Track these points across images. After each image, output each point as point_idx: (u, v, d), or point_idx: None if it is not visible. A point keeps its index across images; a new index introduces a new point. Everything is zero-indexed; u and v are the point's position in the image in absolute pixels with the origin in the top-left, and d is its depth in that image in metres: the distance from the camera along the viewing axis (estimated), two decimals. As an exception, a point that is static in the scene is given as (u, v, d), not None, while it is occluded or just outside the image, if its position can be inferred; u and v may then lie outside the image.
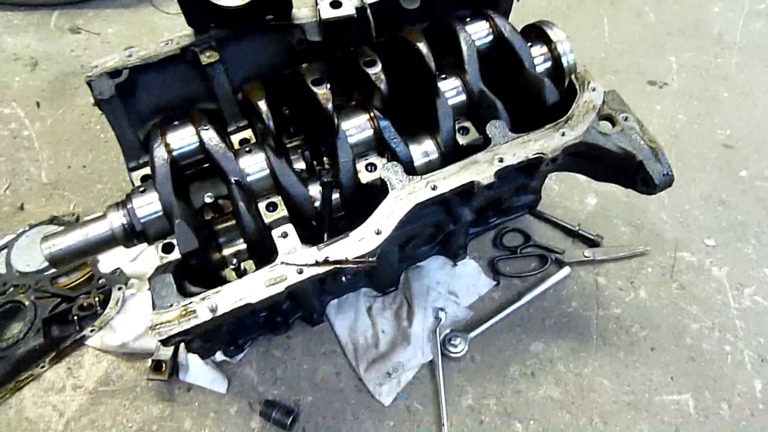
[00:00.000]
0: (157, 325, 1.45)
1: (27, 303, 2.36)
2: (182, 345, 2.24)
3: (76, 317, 2.36)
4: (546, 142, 1.71)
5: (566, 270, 2.51)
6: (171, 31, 3.40)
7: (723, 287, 2.48)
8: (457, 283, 2.49)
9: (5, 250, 2.52)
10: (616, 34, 3.43)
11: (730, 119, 3.02)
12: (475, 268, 2.53)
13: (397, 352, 2.30)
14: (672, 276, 2.52)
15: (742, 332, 2.36)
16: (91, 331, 2.36)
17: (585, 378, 2.28)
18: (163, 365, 2.22)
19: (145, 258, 2.52)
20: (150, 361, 2.24)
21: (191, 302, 1.47)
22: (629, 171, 1.79)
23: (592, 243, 2.60)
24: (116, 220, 1.73)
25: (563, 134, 1.72)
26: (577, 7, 3.59)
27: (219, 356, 2.30)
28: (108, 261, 2.47)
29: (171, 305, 1.47)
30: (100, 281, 2.42)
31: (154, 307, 1.49)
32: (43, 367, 2.31)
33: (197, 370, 2.28)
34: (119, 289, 2.41)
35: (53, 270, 2.44)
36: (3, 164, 2.88)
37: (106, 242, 1.75)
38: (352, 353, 2.32)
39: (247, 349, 2.34)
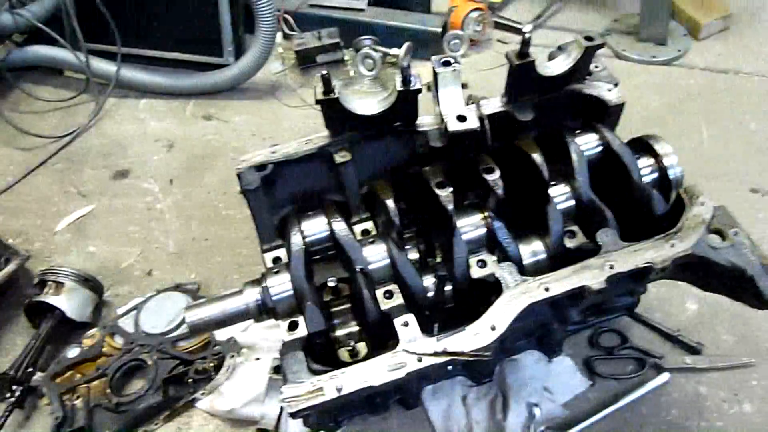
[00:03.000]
0: (288, 398, 1.59)
1: (150, 362, 2.58)
2: (284, 416, 2.39)
3: (191, 380, 2.55)
4: (656, 252, 1.79)
5: (665, 376, 2.47)
6: (290, 120, 3.80)
7: (837, 409, 2.37)
8: (552, 380, 2.51)
9: (134, 312, 2.78)
10: (715, 142, 3.48)
11: (838, 232, 2.96)
12: (571, 366, 2.55)
13: (491, 444, 2.33)
14: (780, 391, 2.43)
15: None
16: (202, 394, 2.53)
17: (686, 493, 2.21)
18: (268, 434, 2.35)
19: (255, 330, 2.72)
20: (255, 429, 2.38)
21: (320, 380, 1.62)
22: (739, 285, 1.82)
23: (692, 350, 2.56)
24: (251, 296, 1.93)
25: (673, 245, 1.79)
26: (675, 114, 3.68)
27: None
28: (223, 330, 2.68)
29: (302, 381, 1.62)
30: (215, 348, 2.62)
31: (286, 381, 1.64)
32: (157, 424, 2.49)
33: (297, 442, 2.39)
34: (232, 356, 2.60)
35: (176, 333, 2.68)
36: (138, 233, 3.23)
37: (240, 315, 1.94)
38: (445, 441, 2.37)
39: (344, 427, 2.43)
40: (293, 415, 1.59)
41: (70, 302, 2.71)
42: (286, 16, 4.25)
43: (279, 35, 4.21)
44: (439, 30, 4.04)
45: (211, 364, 2.57)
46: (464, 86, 2.15)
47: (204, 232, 3.21)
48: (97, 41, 3.99)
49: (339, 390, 1.60)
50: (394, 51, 3.87)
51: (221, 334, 2.66)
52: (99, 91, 3.97)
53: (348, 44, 4.11)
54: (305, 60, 4.07)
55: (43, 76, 4.20)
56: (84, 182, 3.53)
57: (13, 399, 2.46)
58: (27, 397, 2.53)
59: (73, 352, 2.63)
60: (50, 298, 2.69)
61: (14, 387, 2.49)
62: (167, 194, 3.41)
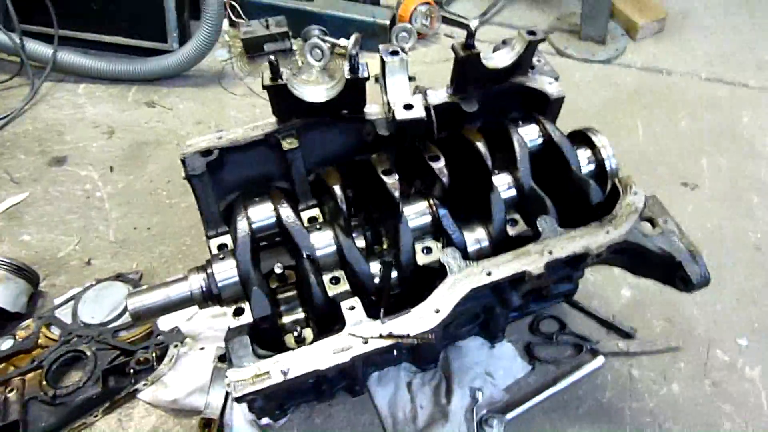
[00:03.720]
0: (233, 382, 1.59)
1: (89, 353, 2.50)
2: (229, 404, 2.37)
3: (132, 370, 2.49)
4: (592, 238, 1.87)
5: (600, 360, 2.59)
6: (236, 109, 3.75)
7: (756, 388, 2.54)
8: (494, 365, 2.58)
9: (72, 302, 2.69)
10: (650, 138, 3.65)
11: (760, 224, 3.16)
12: (512, 351, 2.63)
13: (434, 428, 2.37)
14: (705, 373, 2.59)
15: (776, 435, 2.40)
16: (144, 384, 2.48)
17: (618, 470, 2.32)
18: (212, 424, 2.32)
19: (200, 319, 2.68)
20: (199, 418, 2.35)
21: (265, 364, 1.62)
22: (668, 270, 1.93)
23: (625, 335, 2.69)
24: (196, 282, 1.90)
25: (608, 232, 1.88)
26: (613, 111, 3.83)
27: (263, 420, 2.39)
28: (167, 319, 2.63)
29: (247, 365, 1.61)
30: (158, 337, 2.57)
31: (230, 365, 1.63)
32: (96, 416, 2.42)
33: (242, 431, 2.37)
34: (175, 346, 2.55)
35: (116, 323, 2.61)
36: (76, 221, 3.12)
37: (184, 302, 1.91)
38: (390, 427, 2.40)
39: (290, 414, 2.43)
40: (239, 400, 1.58)
41: (2, 292, 2.60)
42: (233, 2, 4.18)
43: (225, 22, 4.14)
44: (388, 22, 4.07)
45: (154, 354, 2.52)
46: (411, 79, 2.19)
47: (146, 221, 3.13)
48: (33, 22, 3.81)
49: (285, 374, 1.60)
50: (342, 42, 3.88)
51: (164, 324, 2.61)
52: (34, 74, 3.80)
53: (296, 34, 4.09)
54: (252, 48, 4.01)
55: (-27, 58, 3.99)
56: (18, 169, 3.37)
57: (-60, 393, 2.35)
58: (-44, 391, 2.42)
59: (6, 344, 2.53)
60: (-20, 288, 2.57)
61: (-58, 381, 2.38)
62: (107, 182, 3.31)
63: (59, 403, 2.39)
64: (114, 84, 3.86)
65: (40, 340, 2.56)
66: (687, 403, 2.51)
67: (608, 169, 2.16)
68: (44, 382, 2.43)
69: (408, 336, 1.65)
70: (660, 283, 2.07)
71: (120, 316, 2.63)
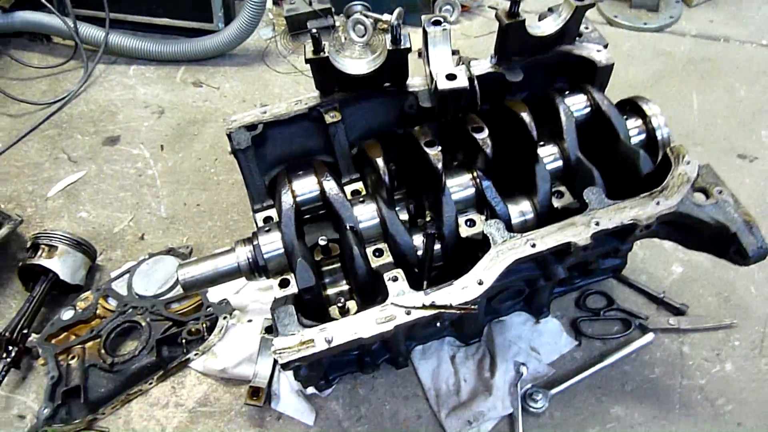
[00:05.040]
0: (279, 350, 1.63)
1: (143, 324, 2.62)
2: (276, 374, 2.44)
3: (184, 340, 2.59)
4: (641, 209, 1.82)
5: (650, 336, 2.53)
6: (280, 87, 3.78)
7: (816, 367, 2.44)
8: (538, 340, 2.56)
9: (127, 275, 2.80)
10: (705, 108, 3.50)
11: (823, 197, 3.00)
12: (558, 327, 2.60)
13: (478, 401, 2.38)
14: (761, 351, 2.50)
15: (837, 415, 2.30)
16: (195, 354, 2.57)
17: (667, 447, 2.28)
18: (260, 392, 2.39)
19: (248, 292, 2.75)
20: (248, 386, 2.42)
21: (310, 332, 1.65)
22: (722, 242, 1.86)
23: (676, 311, 2.62)
24: (243, 254, 1.95)
25: (658, 203, 1.82)
26: (666, 80, 3.69)
27: (309, 389, 2.45)
28: (216, 292, 2.71)
29: (293, 333, 1.65)
30: (208, 309, 2.66)
31: (277, 333, 1.67)
32: (151, 383, 2.53)
33: (288, 401, 2.44)
34: (224, 318, 2.63)
35: (169, 295, 2.71)
36: (129, 198, 3.24)
37: (232, 273, 1.97)
38: (434, 399, 2.42)
39: (335, 385, 2.48)
40: (284, 367, 1.62)
41: (63, 265, 2.73)
42: (277, -19, 4.20)
43: (269, 1, 4.16)
44: (431, -4, 4.00)
45: (204, 325, 2.60)
46: (455, 53, 2.16)
47: (195, 197, 3.22)
48: (85, 6, 3.93)
49: (329, 342, 1.63)
50: (385, 17, 3.85)
51: (214, 296, 2.69)
52: (88, 57, 3.93)
53: (339, 10, 4.08)
54: (295, 26, 4.03)
55: (31, 43, 4.16)
56: (75, 148, 3.51)
57: (9, 359, 2.49)
58: (23, 357, 2.57)
59: (67, 314, 2.66)
60: (43, 261, 2.70)
61: (10, 347, 2.52)
62: (158, 160, 3.41)
63: (116, 371, 2.52)
64: (163, 65, 3.95)
65: (98, 311, 2.69)
66: (741, 381, 2.43)
67: (659, 138, 2.09)
68: (102, 351, 2.55)
69: (450, 306, 1.66)
70: (714, 256, 2.00)
71: (172, 288, 2.73)
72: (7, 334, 2.55)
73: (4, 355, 2.50)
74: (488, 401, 2.37)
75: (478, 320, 2.44)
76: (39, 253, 2.74)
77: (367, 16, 3.83)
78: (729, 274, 2.72)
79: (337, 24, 4.08)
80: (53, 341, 2.60)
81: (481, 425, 2.34)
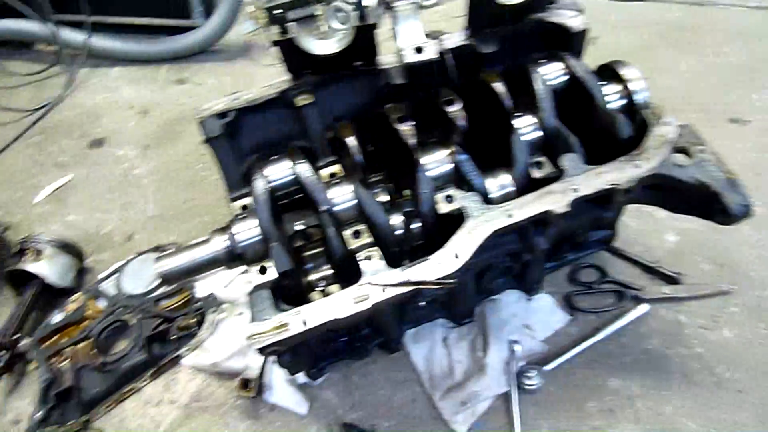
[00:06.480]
0: (254, 335, 1.60)
1: (134, 322, 2.60)
2: (268, 366, 2.42)
3: (174, 336, 2.57)
4: (620, 173, 1.77)
5: (645, 307, 2.48)
6: (266, 80, 3.73)
7: (816, 329, 2.38)
8: (532, 317, 2.52)
9: (116, 275, 2.79)
10: (696, 75, 3.43)
11: (818, 158, 2.93)
12: (551, 303, 2.56)
13: (472, 381, 2.34)
14: (760, 316, 2.44)
15: (839, 376, 2.25)
16: (187, 350, 2.55)
17: (667, 417, 2.22)
18: (250, 383, 2.37)
19: (237, 285, 2.73)
20: (239, 379, 2.41)
21: (285, 316, 1.62)
22: (706, 202, 1.81)
23: (671, 280, 2.57)
24: (219, 243, 1.93)
25: (637, 166, 1.78)
26: (653, 49, 3.62)
27: (301, 378, 2.43)
28: (203, 286, 2.69)
29: (267, 318, 1.62)
30: (196, 304, 2.64)
31: (252, 319, 1.65)
32: (144, 381, 2.52)
33: (281, 391, 2.41)
34: (213, 312, 2.61)
35: (157, 293, 2.69)
36: (117, 199, 3.23)
37: (210, 263, 1.94)
38: (428, 381, 2.39)
39: (328, 373, 2.45)
40: (261, 352, 1.60)
41: (50, 269, 2.72)
42: (255, -27, 4.16)
43: (249, -7, 4.14)
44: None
45: (193, 320, 2.59)
46: (436, 34, 2.12)
47: (183, 195, 3.20)
48: (65, 11, 3.93)
49: (305, 323, 1.60)
50: (366, 2, 3.80)
51: (202, 291, 2.68)
52: (70, 62, 3.92)
53: (320, -1, 4.04)
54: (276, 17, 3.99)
55: (13, 51, 4.16)
56: (61, 153, 3.51)
57: (1, 364, 2.49)
58: (15, 362, 2.57)
59: (57, 317, 2.66)
60: (29, 266, 2.70)
61: (2, 352, 2.52)
62: (144, 160, 3.40)
63: (108, 370, 2.50)
64: (146, 65, 3.95)
65: (88, 312, 2.67)
66: (740, 347, 2.37)
67: (638, 102, 2.03)
68: (94, 351, 2.53)
69: (427, 282, 1.62)
70: (707, 221, 1.95)
71: (160, 285, 2.71)
72: (-2, 339, 2.55)
73: (-4, 360, 2.50)
74: (482, 381, 2.33)
75: (469, 299, 2.40)
76: (25, 258, 2.73)
77: (347, 2, 3.79)
78: (724, 240, 2.66)
79: (318, 12, 4.03)
80: (45, 344, 2.59)
81: (475, 405, 2.30)
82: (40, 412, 2.38)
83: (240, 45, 4.00)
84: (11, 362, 2.54)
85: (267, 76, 3.75)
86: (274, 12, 3.93)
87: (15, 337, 2.59)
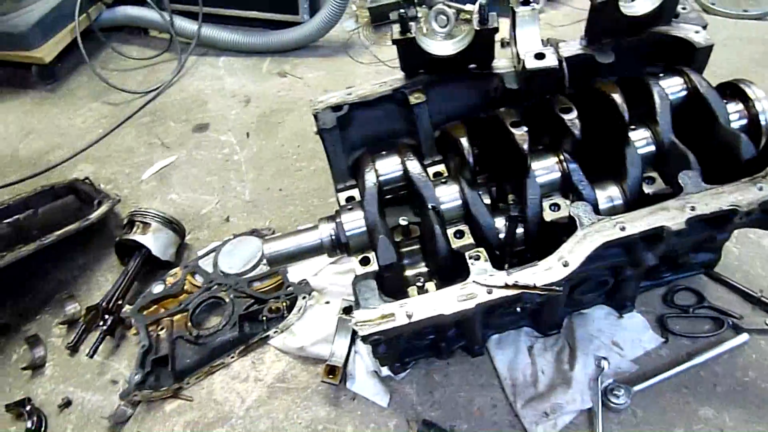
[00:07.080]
0: (360, 322, 1.65)
1: (227, 300, 2.73)
2: (352, 356, 2.47)
3: (265, 318, 2.68)
4: (741, 195, 1.71)
5: (744, 336, 2.38)
6: (362, 78, 3.83)
7: None
8: (621, 335, 2.46)
9: (213, 254, 2.93)
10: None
11: None
12: (642, 322, 2.49)
13: (555, 393, 2.31)
14: None
15: None
16: (275, 332, 2.65)
17: (761, 454, 2.13)
18: (336, 371, 2.44)
19: (326, 275, 2.81)
20: (324, 365, 2.47)
21: (390, 306, 1.67)
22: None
23: (775, 312, 2.45)
24: (326, 231, 2.00)
25: (761, 189, 1.71)
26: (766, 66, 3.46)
27: (384, 372, 2.47)
28: (295, 272, 2.79)
29: (374, 307, 1.67)
30: (288, 289, 2.74)
31: (358, 306, 1.70)
32: (232, 357, 2.63)
33: (363, 382, 2.46)
34: (303, 297, 2.70)
35: (251, 274, 2.81)
36: (216, 182, 3.39)
37: (314, 250, 2.02)
38: (510, 388, 2.38)
39: (410, 369, 2.48)
40: (364, 339, 1.65)
41: (155, 242, 2.89)
42: (361, -27, 4.28)
43: (353, -7, 4.25)
44: (516, -15, 3.94)
45: (284, 304, 2.68)
46: (543, 42, 2.11)
47: (278, 182, 3.32)
48: (181, 2, 4.15)
49: (409, 317, 1.64)
50: (468, 7, 3.83)
51: (294, 276, 2.77)
52: (181, 49, 4.14)
53: (422, 1, 4.09)
54: (378, 17, 4.09)
55: (130, 36, 4.44)
56: (167, 135, 3.71)
57: (105, 327, 2.67)
58: (117, 326, 2.74)
59: (157, 288, 2.82)
60: (138, 237, 2.88)
61: (106, 316, 2.70)
62: (244, 146, 3.55)
63: (201, 343, 2.63)
64: (250, 56, 4.12)
65: (185, 287, 2.83)
66: None
67: (763, 123, 1.95)
68: (189, 324, 2.67)
69: (534, 287, 1.62)
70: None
71: (254, 267, 2.83)
72: (104, 304, 2.73)
73: (101, 323, 2.68)
74: (567, 394, 2.30)
75: (558, 311, 2.38)
76: (134, 229, 2.92)
77: (449, 6, 3.82)
78: (836, 275, 2.52)
79: (420, 15, 4.09)
80: (144, 313, 2.76)
81: (558, 418, 2.27)
82: (138, 376, 2.53)
83: (340, 42, 4.11)
84: (113, 326, 2.71)
85: (365, 74, 3.85)
86: (376, 12, 4.04)
87: (119, 303, 2.77)
